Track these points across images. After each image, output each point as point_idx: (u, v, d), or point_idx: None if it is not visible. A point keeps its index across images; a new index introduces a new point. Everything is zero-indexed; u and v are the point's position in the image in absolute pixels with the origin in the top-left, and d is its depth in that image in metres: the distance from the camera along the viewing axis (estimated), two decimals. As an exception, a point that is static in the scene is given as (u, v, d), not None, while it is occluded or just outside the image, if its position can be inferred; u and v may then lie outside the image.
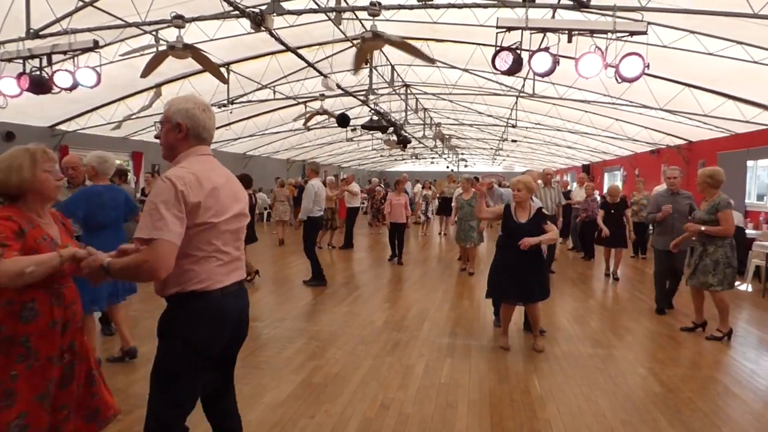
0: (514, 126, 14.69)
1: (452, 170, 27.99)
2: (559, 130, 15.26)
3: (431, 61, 5.94)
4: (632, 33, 4.49)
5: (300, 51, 7.66)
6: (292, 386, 3.82)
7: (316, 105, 11.31)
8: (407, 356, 4.50)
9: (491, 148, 24.83)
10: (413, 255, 10.79)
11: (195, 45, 5.37)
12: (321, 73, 8.41)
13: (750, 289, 7.76)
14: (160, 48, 5.18)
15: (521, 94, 11.31)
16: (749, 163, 10.73)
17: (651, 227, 9.42)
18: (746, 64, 7.13)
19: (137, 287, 4.47)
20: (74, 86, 6.16)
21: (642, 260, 10.30)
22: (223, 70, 8.75)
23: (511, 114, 13.93)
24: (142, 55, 5.71)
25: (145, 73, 5.35)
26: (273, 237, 12.97)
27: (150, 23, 5.49)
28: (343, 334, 5.17)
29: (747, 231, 8.75)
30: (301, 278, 7.86)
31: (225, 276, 2.00)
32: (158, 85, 8.55)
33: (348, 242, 11.46)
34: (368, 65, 8.77)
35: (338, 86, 9.43)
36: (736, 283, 8.00)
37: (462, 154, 28.84)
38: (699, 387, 3.93)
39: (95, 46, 5.60)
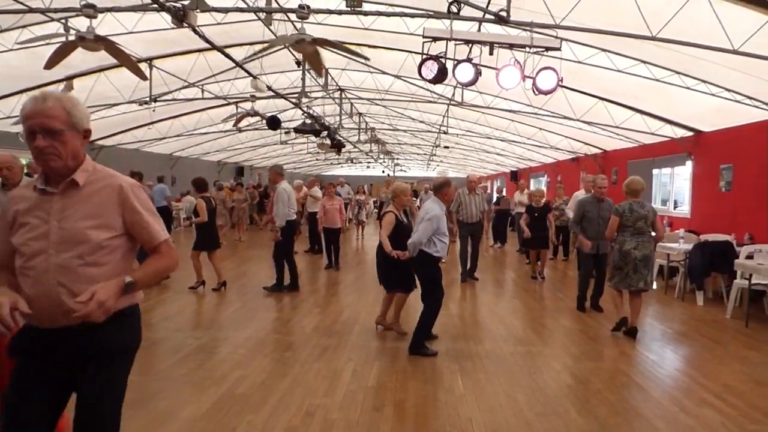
0: (446, 132, 15.13)
1: (388, 175, 28.32)
2: (488, 137, 15.90)
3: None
4: (548, 48, 4.78)
5: (229, 50, 7.43)
6: (214, 398, 3.66)
7: (247, 106, 11.01)
8: (336, 361, 4.48)
9: (425, 154, 25.40)
10: (347, 259, 10.77)
11: (110, 37, 5.03)
12: (250, 74, 8.20)
13: (655, 286, 8.46)
14: (70, 38, 4.79)
15: (452, 102, 11.66)
16: (654, 171, 11.76)
17: (568, 231, 10.02)
18: (650, 81, 7.81)
19: None
20: (-39, 73, 5.56)
21: (564, 262, 10.93)
22: (144, 65, 8.30)
23: (443, 121, 14.33)
24: (48, 44, 5.24)
25: (49, 64, 4.91)
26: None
27: (57, 10, 5.06)
28: (270, 341, 5.06)
29: (652, 233, 9.52)
30: (232, 283, 7.57)
31: None
32: (69, 78, 7.91)
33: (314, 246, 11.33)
34: (300, 68, 8.67)
35: (269, 88, 9.23)
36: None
37: (397, 159, 29.26)
38: (607, 378, 4.23)
39: (-12, 30, 5.08)
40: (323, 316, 6.01)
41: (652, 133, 10.21)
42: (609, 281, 5.58)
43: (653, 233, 5.50)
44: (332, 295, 7.32)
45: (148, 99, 9.41)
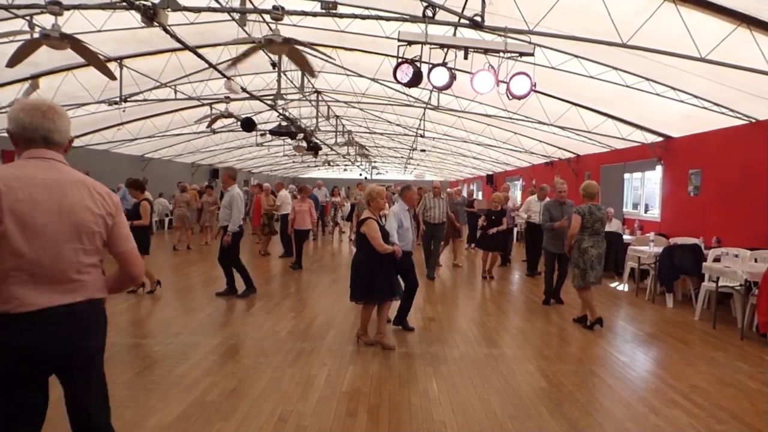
0: (422, 136, 15.18)
1: (365, 177, 28.29)
2: (464, 141, 16.02)
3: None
4: (521, 54, 4.83)
5: (203, 50, 7.29)
6: (183, 406, 3.56)
7: (221, 107, 10.84)
8: (309, 366, 4.41)
9: (402, 157, 25.46)
10: (324, 262, 10.68)
11: (77, 35, 4.87)
12: (224, 75, 8.06)
13: (626, 288, 8.65)
14: (34, 36, 4.62)
15: (428, 106, 11.71)
16: (626, 175, 12.03)
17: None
18: (621, 88, 7.99)
19: None
20: None
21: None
22: (114, 64, 8.09)
23: (419, 125, 14.38)
24: (12, 41, 5.03)
25: (12, 62, 4.71)
26: (179, 244, 12.24)
27: (21, 6, 4.86)
28: (243, 346, 4.95)
29: (624, 237, 9.76)
30: (203, 288, 7.44)
31: (32, 299, 1.80)
32: (35, 77, 7.63)
33: (289, 251, 11.14)
34: (275, 69, 8.58)
35: (244, 89, 9.10)
36: (614, 283, 8.92)
37: (374, 161, 29.25)
38: (579, 381, 4.27)
39: (-55, 26, 4.85)
40: (298, 321, 5.93)
41: (624, 138, 10.45)
42: (573, 283, 5.94)
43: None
44: (308, 299, 7.23)
45: (118, 99, 9.16)
